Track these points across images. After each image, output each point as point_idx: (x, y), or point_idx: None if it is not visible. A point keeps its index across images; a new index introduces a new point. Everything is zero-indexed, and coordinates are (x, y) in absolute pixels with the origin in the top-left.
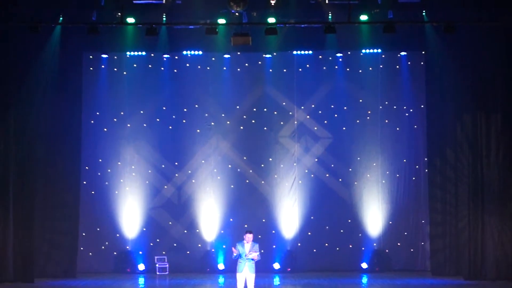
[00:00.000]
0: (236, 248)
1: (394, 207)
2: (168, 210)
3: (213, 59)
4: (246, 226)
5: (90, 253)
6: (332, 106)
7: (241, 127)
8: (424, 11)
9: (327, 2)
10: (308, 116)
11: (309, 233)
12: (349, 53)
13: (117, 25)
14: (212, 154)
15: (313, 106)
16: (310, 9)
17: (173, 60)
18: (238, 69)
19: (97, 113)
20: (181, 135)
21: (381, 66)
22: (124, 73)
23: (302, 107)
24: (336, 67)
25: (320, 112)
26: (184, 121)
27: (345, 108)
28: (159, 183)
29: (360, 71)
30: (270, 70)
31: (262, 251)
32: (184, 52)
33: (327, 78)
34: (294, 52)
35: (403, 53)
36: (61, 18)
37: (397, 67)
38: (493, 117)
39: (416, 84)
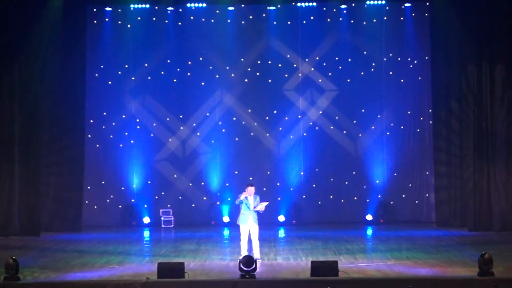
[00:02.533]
0: (243, 199)
1: (399, 159)
2: (173, 163)
3: (217, 11)
4: (251, 178)
5: (96, 207)
6: (337, 58)
7: (246, 80)
8: None
9: None
10: (312, 68)
11: (314, 185)
12: (353, 4)
13: None
14: (216, 107)
15: (317, 58)
16: None
17: (177, 13)
18: (242, 22)
19: (102, 66)
20: (186, 88)
21: (385, 18)
22: (128, 26)
23: (307, 60)
24: (340, 19)
25: (324, 64)
26: (188, 74)
27: (349, 60)
28: (164, 136)
29: (365, 22)
30: (274, 23)
31: (268, 202)
32: (188, 5)
33: (331, 30)
34: (298, 4)
35: (407, 5)
36: None
37: (402, 18)
38: (497, 68)
39: (420, 35)
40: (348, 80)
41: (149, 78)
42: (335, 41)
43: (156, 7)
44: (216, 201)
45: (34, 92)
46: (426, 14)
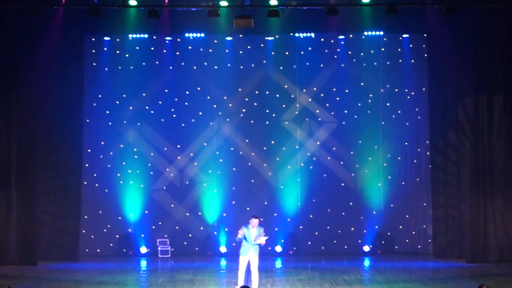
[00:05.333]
0: (244, 231)
1: (396, 189)
2: (170, 193)
3: (215, 41)
4: (248, 209)
5: (92, 236)
6: (334, 89)
7: (243, 110)
8: None
9: None
10: (310, 99)
11: (311, 216)
12: (351, 35)
13: (119, 7)
14: (214, 137)
15: (315, 89)
16: None
17: (175, 43)
18: (240, 52)
19: (99, 96)
20: (184, 117)
21: (382, 49)
22: (126, 55)
23: (304, 90)
24: (338, 49)
25: (322, 95)
26: (186, 103)
27: (346, 91)
28: (161, 165)
29: (362, 53)
30: (272, 53)
31: (267, 237)
32: (186, 35)
33: (329, 61)
34: (296, 35)
35: (405, 36)
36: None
37: (399, 49)
38: (495, 98)
39: (417, 66)
40: (346, 111)
41: (146, 107)
42: (333, 72)
43: (155, 37)
44: (213, 231)
45: (31, 119)
46: (423, 45)
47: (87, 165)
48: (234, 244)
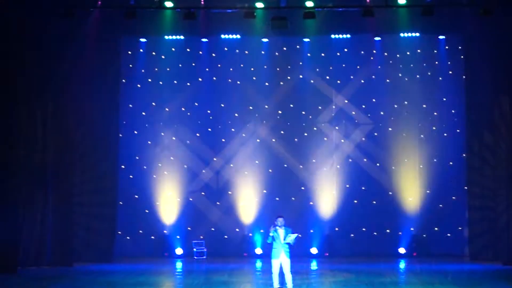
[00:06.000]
0: (272, 232)
1: (432, 191)
2: (206, 194)
3: (251, 43)
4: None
5: (128, 237)
6: (370, 91)
7: (279, 111)
8: None
9: None
10: (346, 101)
11: (347, 218)
12: (387, 37)
13: (155, 9)
14: (250, 138)
15: (351, 90)
16: None
17: (211, 44)
18: (276, 53)
19: (136, 97)
20: (220, 119)
21: (419, 50)
22: (162, 56)
23: (341, 92)
24: (374, 51)
25: (358, 96)
26: (222, 105)
27: (383, 92)
28: (197, 167)
29: (398, 55)
30: (308, 54)
31: (300, 235)
32: (222, 36)
33: (365, 62)
34: (332, 36)
35: (441, 37)
36: (99, 2)
37: (435, 51)
38: None
39: (454, 68)
40: (382, 113)
41: (183, 109)
42: (369, 73)
43: (191, 38)
44: (249, 232)
45: (66, 120)
46: (460, 47)
47: (123, 166)
48: (267, 240)
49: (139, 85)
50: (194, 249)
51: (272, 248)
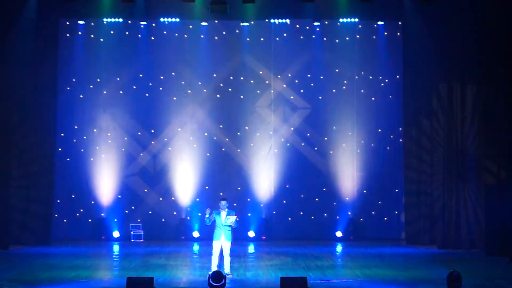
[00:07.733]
0: (211, 215)
1: (369, 176)
2: (144, 178)
3: (191, 26)
4: (221, 194)
5: (65, 220)
6: (309, 76)
7: (218, 95)
8: None
9: None
10: (284, 85)
11: (284, 202)
12: (326, 22)
13: None
14: (188, 122)
15: (289, 75)
16: None
17: (150, 28)
18: (216, 37)
19: (73, 80)
20: (158, 102)
21: (357, 36)
22: (101, 39)
23: (279, 76)
24: (314, 36)
25: (296, 81)
26: (160, 88)
27: (321, 77)
28: (135, 150)
29: (337, 40)
30: (248, 39)
31: (238, 218)
32: (161, 20)
33: (304, 47)
34: (272, 21)
35: (380, 23)
36: None
37: (374, 37)
38: (468, 86)
39: (392, 54)
40: (320, 98)
41: (121, 92)
42: (308, 58)
43: (129, 21)
44: (186, 216)
45: (4, 103)
46: (398, 33)
47: (60, 149)
48: (205, 220)
49: (77, 68)
50: (132, 232)
51: (214, 231)
